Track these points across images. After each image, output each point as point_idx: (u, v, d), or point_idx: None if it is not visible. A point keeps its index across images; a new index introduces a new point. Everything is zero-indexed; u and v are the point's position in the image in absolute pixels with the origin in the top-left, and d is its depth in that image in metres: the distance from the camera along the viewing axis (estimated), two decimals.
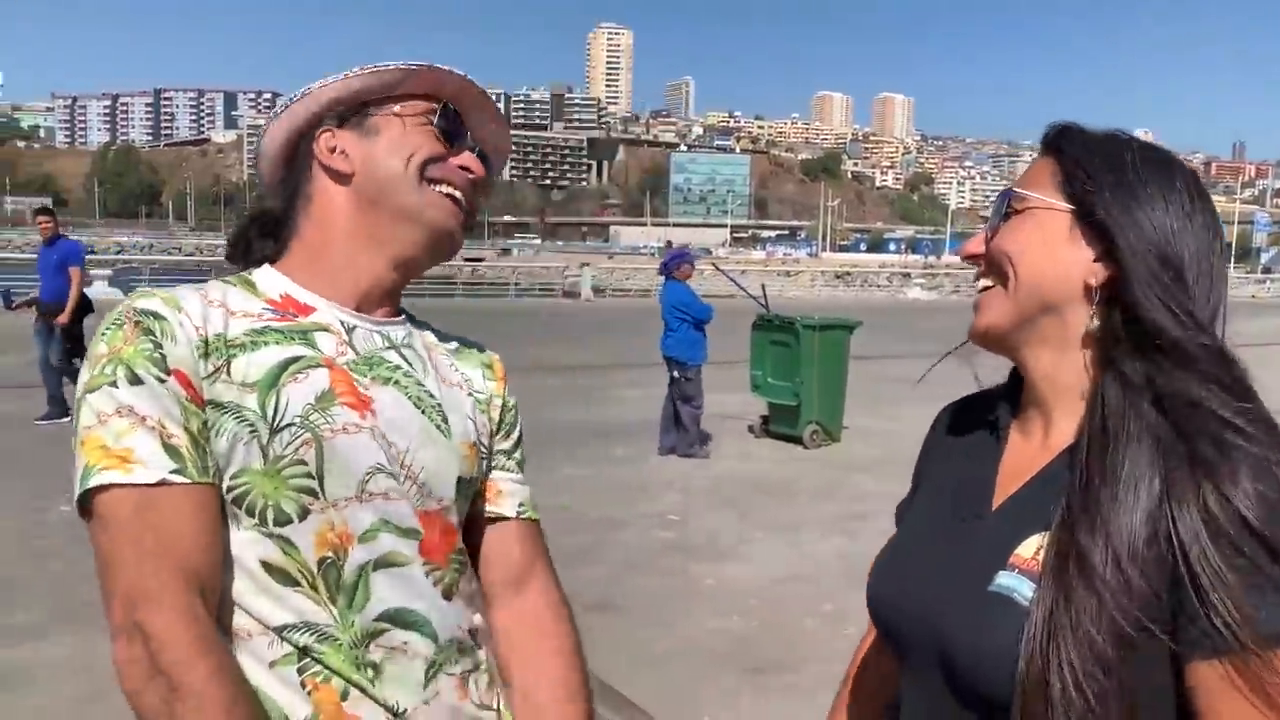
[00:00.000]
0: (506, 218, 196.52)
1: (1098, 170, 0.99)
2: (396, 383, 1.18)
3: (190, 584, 1.01)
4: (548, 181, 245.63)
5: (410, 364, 1.23)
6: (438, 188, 1.22)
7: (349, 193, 1.21)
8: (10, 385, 10.40)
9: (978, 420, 1.15)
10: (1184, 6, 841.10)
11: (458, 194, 1.24)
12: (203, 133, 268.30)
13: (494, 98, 1.30)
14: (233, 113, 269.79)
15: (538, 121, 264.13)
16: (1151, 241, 0.96)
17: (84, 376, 1.06)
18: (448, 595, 1.18)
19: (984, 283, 1.07)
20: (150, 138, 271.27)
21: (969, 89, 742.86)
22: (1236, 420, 0.89)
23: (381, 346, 1.21)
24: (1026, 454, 1.05)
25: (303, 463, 1.07)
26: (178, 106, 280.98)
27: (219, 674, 0.99)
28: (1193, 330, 0.93)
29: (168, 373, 1.04)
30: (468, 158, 1.26)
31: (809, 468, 8.13)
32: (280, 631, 1.07)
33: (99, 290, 22.76)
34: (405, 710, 1.12)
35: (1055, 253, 1.00)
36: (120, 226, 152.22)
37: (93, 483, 1.00)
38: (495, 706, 1.25)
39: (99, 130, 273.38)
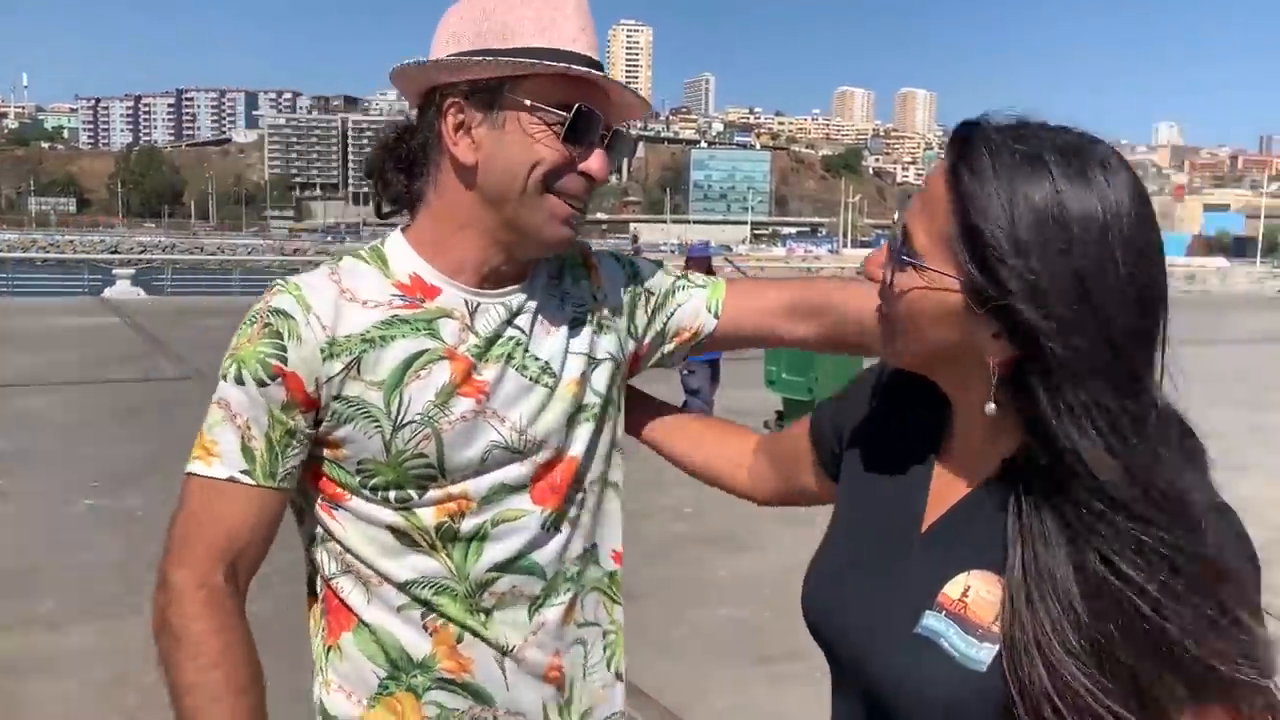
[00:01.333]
0: None
1: (999, 224, 0.83)
2: (510, 357, 1.25)
3: (218, 555, 1.16)
4: None
5: (526, 330, 1.27)
6: (560, 194, 1.20)
7: (471, 186, 1.21)
8: (39, 384, 10.55)
9: (912, 414, 1.08)
10: None
11: (577, 201, 1.22)
12: (224, 133, 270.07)
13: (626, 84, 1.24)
14: (254, 112, 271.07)
15: None
16: (1061, 319, 0.82)
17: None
18: (557, 528, 1.27)
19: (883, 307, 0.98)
20: (172, 138, 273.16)
21: (991, 83, 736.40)
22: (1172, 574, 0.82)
23: (502, 320, 1.25)
24: (949, 474, 1.01)
25: (422, 455, 1.18)
26: (199, 107, 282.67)
27: (218, 632, 1.15)
28: (1120, 448, 0.82)
29: (273, 377, 1.15)
30: (595, 163, 1.21)
31: None
32: (405, 587, 1.21)
33: (122, 289, 22.26)
34: (514, 648, 1.25)
35: (950, 322, 0.90)
36: (143, 226, 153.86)
37: (186, 469, 1.19)
38: (598, 621, 1.37)
39: (122, 131, 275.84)
